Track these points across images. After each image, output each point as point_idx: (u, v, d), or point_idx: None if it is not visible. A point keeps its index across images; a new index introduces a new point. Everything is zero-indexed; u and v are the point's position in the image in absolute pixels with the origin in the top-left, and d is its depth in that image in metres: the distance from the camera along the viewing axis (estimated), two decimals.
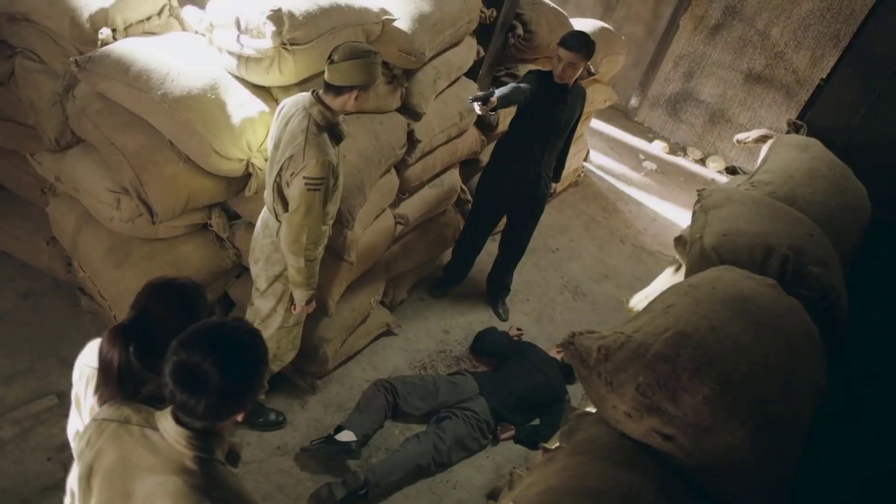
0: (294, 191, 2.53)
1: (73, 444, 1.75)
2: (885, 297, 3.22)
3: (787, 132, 3.86)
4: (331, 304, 3.23)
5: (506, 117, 4.12)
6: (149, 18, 3.07)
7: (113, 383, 1.55)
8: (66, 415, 2.92)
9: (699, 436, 1.76)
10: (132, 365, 1.55)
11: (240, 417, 1.46)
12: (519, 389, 3.60)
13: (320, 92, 2.57)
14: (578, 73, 3.59)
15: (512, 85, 3.45)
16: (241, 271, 3.38)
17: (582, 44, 3.48)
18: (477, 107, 3.16)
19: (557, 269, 5.04)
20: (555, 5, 4.63)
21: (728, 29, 7.18)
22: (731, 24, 7.15)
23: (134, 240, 3.06)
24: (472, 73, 4.13)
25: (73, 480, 1.56)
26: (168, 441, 1.42)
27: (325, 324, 3.37)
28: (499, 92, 3.26)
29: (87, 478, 1.49)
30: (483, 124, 4.27)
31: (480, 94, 3.15)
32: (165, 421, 1.43)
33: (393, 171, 3.58)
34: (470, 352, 4.03)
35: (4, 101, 3.31)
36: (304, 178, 2.48)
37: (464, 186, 4.38)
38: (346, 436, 3.11)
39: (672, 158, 7.51)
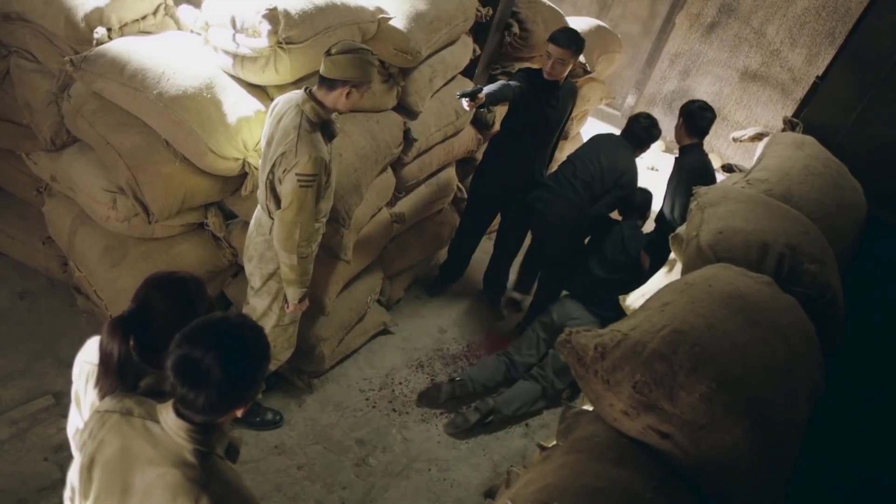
0: (286, 187, 2.54)
1: (72, 443, 1.74)
2: (881, 295, 3.23)
3: (783, 130, 3.86)
4: (328, 302, 3.23)
5: (501, 116, 4.12)
6: (144, 17, 3.06)
7: (113, 376, 1.55)
8: (62, 415, 2.93)
9: (696, 434, 1.77)
10: (132, 357, 1.56)
11: (239, 413, 1.47)
12: (601, 276, 3.84)
13: (314, 88, 2.57)
14: (568, 70, 3.59)
15: (501, 82, 3.46)
16: (238, 270, 3.37)
17: (571, 40, 3.48)
18: (465, 102, 3.17)
19: None
20: (551, 4, 4.63)
21: (724, 27, 7.19)
22: (727, 23, 7.16)
23: (130, 239, 3.06)
24: (468, 72, 4.13)
25: (73, 474, 1.55)
26: (168, 434, 1.43)
27: (321, 322, 3.37)
28: (487, 88, 3.27)
29: (88, 469, 1.49)
30: (479, 123, 4.27)
31: (468, 90, 3.16)
32: (166, 413, 1.44)
33: (389, 169, 3.58)
34: None
35: (0, 101, 3.30)
36: (297, 174, 2.49)
37: (460, 185, 4.38)
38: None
39: (669, 156, 7.50)
